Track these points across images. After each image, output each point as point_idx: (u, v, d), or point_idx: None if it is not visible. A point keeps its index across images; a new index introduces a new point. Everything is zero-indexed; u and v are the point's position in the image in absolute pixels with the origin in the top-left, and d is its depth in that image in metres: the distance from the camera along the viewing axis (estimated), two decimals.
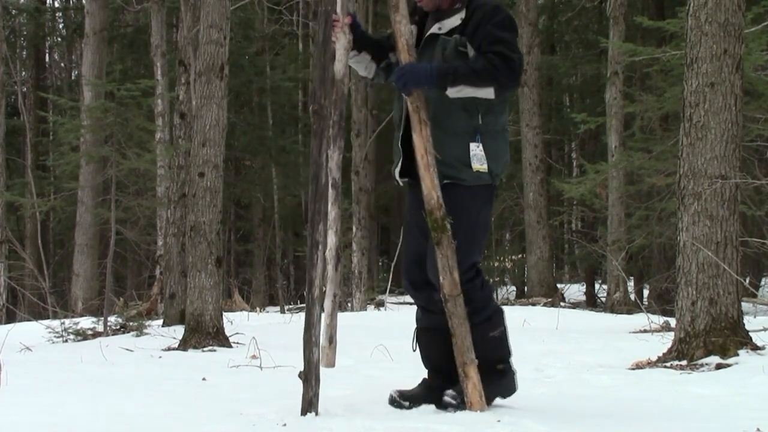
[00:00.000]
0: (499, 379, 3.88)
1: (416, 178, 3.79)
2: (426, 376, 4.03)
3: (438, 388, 3.90)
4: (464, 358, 3.67)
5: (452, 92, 3.68)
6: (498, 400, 3.99)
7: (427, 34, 3.84)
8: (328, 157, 3.63)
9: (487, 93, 3.70)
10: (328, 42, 3.68)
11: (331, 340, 3.72)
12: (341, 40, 3.77)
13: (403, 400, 3.91)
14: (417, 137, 3.64)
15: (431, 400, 3.87)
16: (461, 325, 3.65)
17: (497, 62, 3.65)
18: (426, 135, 3.64)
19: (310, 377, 3.68)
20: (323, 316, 3.67)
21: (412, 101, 3.67)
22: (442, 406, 3.79)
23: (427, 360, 4.03)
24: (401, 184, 4.00)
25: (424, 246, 3.84)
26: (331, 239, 3.65)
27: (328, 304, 3.69)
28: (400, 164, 3.91)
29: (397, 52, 3.77)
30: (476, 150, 3.73)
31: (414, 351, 4.03)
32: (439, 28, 3.82)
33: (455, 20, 3.80)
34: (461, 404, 3.75)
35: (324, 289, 3.67)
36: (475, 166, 3.73)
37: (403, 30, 3.72)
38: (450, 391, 3.80)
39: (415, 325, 4.05)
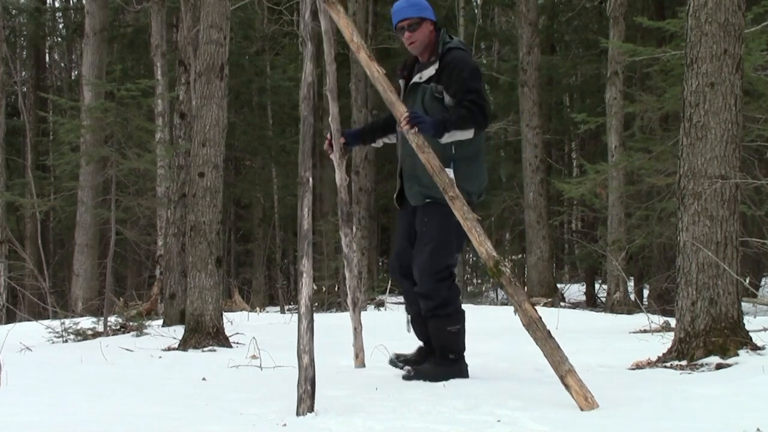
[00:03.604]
0: (450, 365, 4.71)
1: (404, 202, 4.84)
2: (421, 345, 4.97)
3: (430, 352, 4.84)
4: (560, 371, 3.95)
5: (445, 138, 4.43)
6: (498, 401, 4.02)
7: (411, 82, 4.71)
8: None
9: (468, 134, 4.48)
10: (306, 137, 4.24)
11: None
12: (336, 153, 4.96)
13: (399, 360, 4.90)
14: (455, 210, 4.24)
15: (422, 363, 4.82)
16: (544, 345, 3.99)
17: (474, 109, 4.44)
18: (459, 206, 4.21)
19: (300, 377, 3.89)
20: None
21: (447, 190, 4.22)
22: (403, 377, 4.72)
23: (419, 337, 4.98)
24: (399, 207, 4.93)
25: (407, 249, 4.80)
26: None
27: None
28: (397, 192, 4.86)
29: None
30: (448, 174, 4.37)
31: (409, 332, 5.01)
32: (420, 77, 4.67)
33: (431, 71, 4.63)
34: (413, 377, 4.68)
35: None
36: None
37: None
38: (407, 366, 4.77)
39: (406, 313, 5.03)
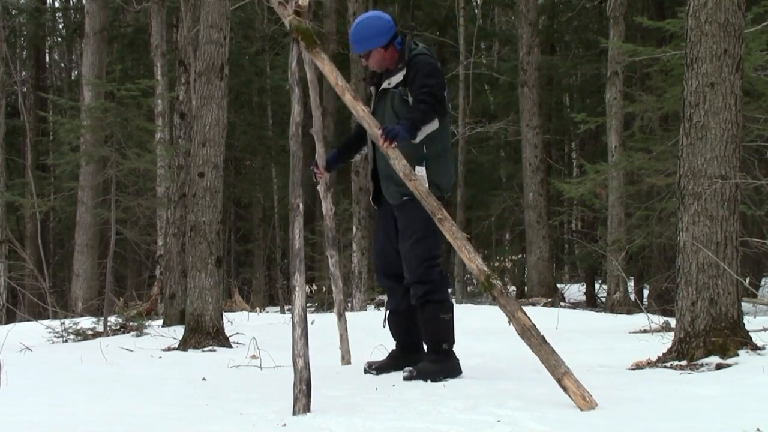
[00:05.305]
0: (445, 359, 4.80)
1: (381, 201, 5.07)
2: (393, 348, 5.13)
3: (401, 358, 5.02)
4: (556, 374, 4.01)
5: (419, 136, 4.65)
6: (498, 401, 4.02)
7: (381, 88, 5.03)
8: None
9: (435, 125, 4.73)
10: (296, 168, 4.63)
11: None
12: (322, 185, 5.32)
13: (372, 369, 5.03)
14: (444, 231, 4.36)
15: (395, 368, 4.95)
16: (539, 351, 4.06)
17: (430, 99, 4.72)
18: (448, 227, 4.32)
19: (295, 379, 3.99)
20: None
21: (435, 213, 4.33)
22: (404, 378, 4.76)
23: (393, 335, 5.16)
24: (375, 207, 5.18)
25: (387, 246, 5.06)
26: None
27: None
28: (372, 193, 5.12)
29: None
30: (420, 172, 4.72)
31: (384, 327, 5.14)
32: (389, 83, 4.98)
33: (399, 76, 4.94)
34: (414, 377, 4.72)
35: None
36: None
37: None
38: (407, 367, 4.81)
39: (385, 309, 5.20)
